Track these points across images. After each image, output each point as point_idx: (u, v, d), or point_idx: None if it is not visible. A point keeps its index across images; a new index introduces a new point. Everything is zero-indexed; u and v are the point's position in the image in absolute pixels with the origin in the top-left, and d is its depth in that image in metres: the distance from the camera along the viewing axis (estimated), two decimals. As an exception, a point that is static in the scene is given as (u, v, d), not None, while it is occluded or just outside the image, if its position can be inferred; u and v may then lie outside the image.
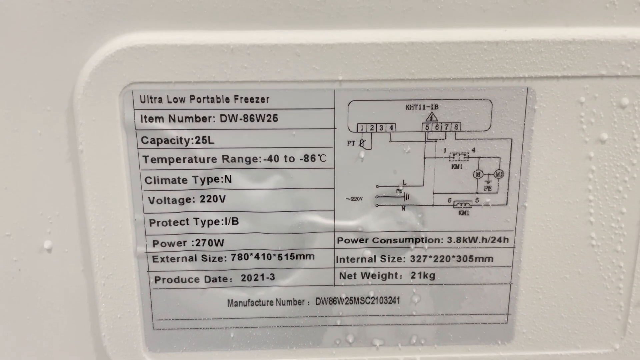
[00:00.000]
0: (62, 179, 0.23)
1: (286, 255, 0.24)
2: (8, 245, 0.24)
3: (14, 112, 0.22)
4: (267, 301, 0.24)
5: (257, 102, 0.22)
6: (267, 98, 0.22)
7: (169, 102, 0.22)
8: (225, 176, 0.23)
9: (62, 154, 0.23)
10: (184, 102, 0.22)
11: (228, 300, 0.24)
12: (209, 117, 0.22)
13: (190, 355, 0.25)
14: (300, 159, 0.23)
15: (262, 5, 0.21)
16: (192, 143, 0.22)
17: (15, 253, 0.24)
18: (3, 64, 0.21)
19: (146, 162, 0.22)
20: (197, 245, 0.24)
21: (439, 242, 0.24)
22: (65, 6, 0.21)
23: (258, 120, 0.22)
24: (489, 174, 0.23)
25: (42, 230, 0.23)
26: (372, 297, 0.24)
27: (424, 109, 0.22)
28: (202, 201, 0.23)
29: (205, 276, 0.24)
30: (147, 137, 0.22)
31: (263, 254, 0.24)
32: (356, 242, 0.24)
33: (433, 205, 0.23)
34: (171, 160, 0.22)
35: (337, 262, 0.24)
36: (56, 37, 0.21)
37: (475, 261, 0.24)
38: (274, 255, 0.24)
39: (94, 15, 0.21)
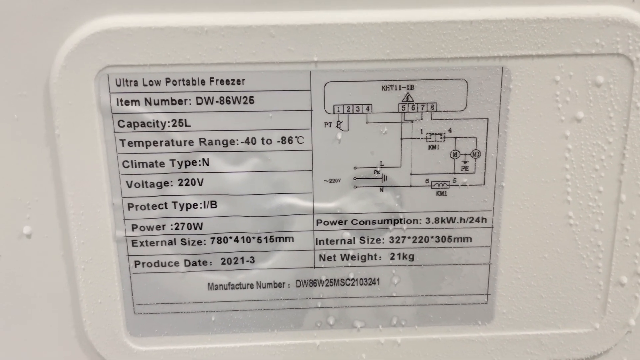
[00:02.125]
0: (39, 164, 0.23)
1: (265, 238, 0.24)
2: (-13, 231, 0.24)
3: (-11, 97, 0.22)
4: (248, 284, 0.24)
5: (232, 84, 0.22)
6: (243, 80, 0.22)
7: (145, 85, 0.22)
8: (203, 159, 0.23)
9: (39, 139, 0.23)
10: (159, 85, 0.22)
11: (208, 283, 0.24)
12: (185, 99, 0.22)
13: (172, 339, 0.25)
14: (278, 141, 0.23)
15: (236, -14, 0.21)
16: (169, 126, 0.22)
17: (-6, 239, 0.24)
18: (-22, 48, 0.22)
19: (123, 145, 0.22)
20: (176, 229, 0.24)
21: (417, 222, 0.24)
22: (39, -10, 0.21)
23: (234, 103, 0.22)
24: (465, 154, 0.23)
25: (21, 216, 0.23)
26: (352, 279, 0.24)
27: (399, 89, 0.22)
28: (180, 185, 0.23)
29: (185, 260, 0.24)
30: (123, 121, 0.22)
31: (242, 237, 0.24)
32: (335, 224, 0.24)
33: (411, 186, 0.23)
34: (148, 143, 0.22)
35: (317, 244, 0.24)
36: (31, 21, 0.21)
37: (454, 242, 0.24)
38: (254, 238, 0.24)
39: (68, -1, 0.21)
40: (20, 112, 0.22)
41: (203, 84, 0.22)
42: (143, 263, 0.24)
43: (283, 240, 0.24)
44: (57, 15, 0.21)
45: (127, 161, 0.23)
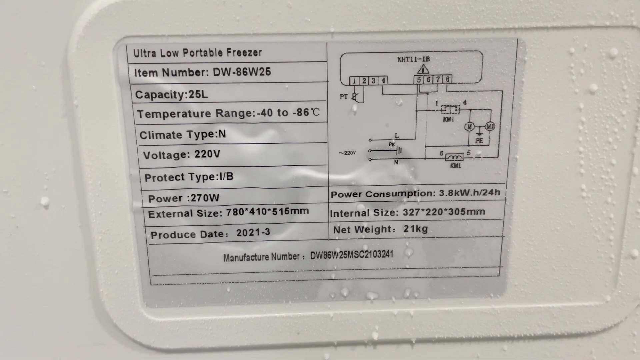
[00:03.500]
0: (58, 134, 0.23)
1: (281, 209, 0.24)
2: (5, 202, 0.24)
3: (8, 68, 0.22)
4: (263, 256, 0.25)
5: (249, 55, 0.22)
6: (260, 51, 0.22)
7: (162, 56, 0.22)
8: (220, 131, 0.23)
9: (57, 110, 0.23)
10: (177, 55, 0.22)
11: (224, 255, 0.25)
12: (202, 70, 0.22)
13: (187, 310, 0.25)
14: (294, 113, 0.23)
15: (253, -43, 0.21)
16: (186, 97, 0.22)
17: (12, 210, 0.24)
18: (-3, 19, 0.22)
19: (141, 116, 0.23)
20: (193, 200, 0.24)
21: (431, 195, 0.24)
22: (58, -40, 0.21)
23: (251, 74, 0.22)
24: (480, 127, 0.23)
25: (39, 186, 0.24)
26: (366, 251, 0.25)
27: (415, 61, 0.22)
28: (197, 156, 0.23)
29: (201, 231, 0.24)
30: (141, 92, 0.22)
31: (258, 209, 0.24)
32: (350, 196, 0.24)
33: (425, 158, 0.24)
34: (165, 114, 0.23)
35: (331, 216, 0.24)
36: (49, -9, 0.22)
37: (467, 214, 0.24)
38: (269, 209, 0.24)
39: (87, -31, 0.21)
40: (38, 83, 0.22)
41: (220, 55, 0.22)
42: (159, 234, 0.24)
43: (298, 212, 0.24)
44: (75, -14, 0.21)
45: (145, 132, 0.23)
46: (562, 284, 0.25)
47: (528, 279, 0.25)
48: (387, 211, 0.24)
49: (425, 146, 0.23)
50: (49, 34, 0.22)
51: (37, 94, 0.23)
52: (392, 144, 0.23)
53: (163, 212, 0.24)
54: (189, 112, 0.23)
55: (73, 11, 0.22)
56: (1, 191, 0.24)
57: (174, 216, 0.24)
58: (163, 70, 0.22)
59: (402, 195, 0.24)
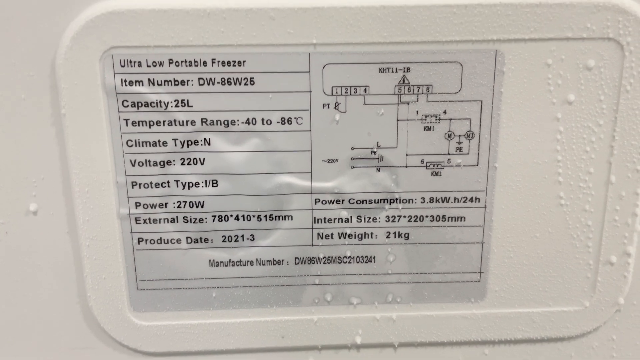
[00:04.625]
0: (46, 142, 0.23)
1: (265, 216, 0.25)
2: (-6, 208, 0.24)
3: (-3, 78, 0.23)
4: (248, 261, 0.25)
5: (234, 65, 0.23)
6: (244, 62, 0.23)
7: (148, 66, 0.22)
8: (205, 139, 0.23)
9: (45, 118, 0.23)
10: (162, 66, 0.22)
11: (209, 260, 0.25)
12: (188, 80, 0.23)
13: (174, 314, 0.26)
14: (277, 122, 0.23)
15: (237, -30, 0.22)
16: (172, 106, 0.23)
17: (1, 216, 0.24)
18: (-14, 29, 0.22)
19: (127, 125, 0.23)
20: (179, 207, 0.24)
21: (412, 202, 0.25)
22: (46, -28, 0.22)
23: (235, 84, 0.23)
24: (460, 136, 0.24)
25: (27, 193, 0.24)
26: (349, 257, 0.25)
27: (396, 72, 0.23)
28: (182, 164, 0.24)
29: (187, 237, 0.25)
30: (127, 101, 0.23)
31: (243, 216, 0.24)
32: (333, 203, 0.24)
33: (406, 166, 0.24)
34: (151, 123, 0.23)
35: (315, 222, 0.25)
36: (37, 3, 0.22)
37: (448, 221, 0.25)
38: (254, 216, 0.24)
39: (74, -19, 0.22)
40: (27, 92, 0.23)
41: (205, 65, 0.22)
42: (146, 240, 0.25)
43: (282, 219, 0.25)
44: (63, -2, 0.22)
45: (131, 140, 0.23)
46: (542, 290, 0.26)
47: (508, 284, 0.26)
48: (370, 218, 0.25)
49: (407, 155, 0.24)
50: (37, 45, 0.22)
51: (26, 102, 0.23)
52: (374, 152, 0.24)
53: (149, 219, 0.24)
54: (175, 121, 0.23)
55: (60, 22, 0.22)
56: (-10, 198, 0.24)
57: (160, 222, 0.24)
58: (149, 80, 0.23)
59: (384, 202, 0.24)
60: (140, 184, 0.24)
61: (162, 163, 0.24)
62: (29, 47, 0.22)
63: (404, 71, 0.23)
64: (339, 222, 0.25)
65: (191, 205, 0.24)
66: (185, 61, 0.22)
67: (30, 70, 0.23)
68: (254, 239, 0.25)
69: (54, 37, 0.22)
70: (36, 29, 0.22)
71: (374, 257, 0.25)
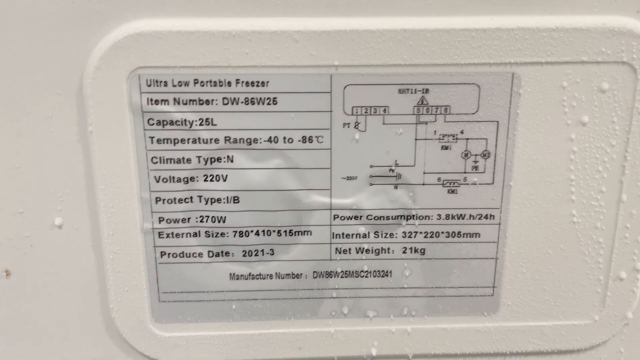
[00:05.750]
0: (72, 158, 0.24)
1: (285, 231, 0.25)
2: (20, 222, 0.25)
3: (26, 95, 0.23)
4: (267, 275, 0.26)
5: (257, 86, 0.23)
6: (267, 82, 0.23)
7: (174, 86, 0.23)
8: (228, 156, 0.24)
9: (72, 135, 0.24)
10: (188, 85, 0.23)
11: (230, 274, 0.26)
12: (212, 100, 0.23)
13: (195, 326, 0.26)
14: (299, 140, 0.24)
15: (262, -7, 0.22)
16: (196, 125, 0.23)
17: (27, 230, 0.25)
18: (16, 49, 0.23)
19: (152, 142, 0.24)
20: (201, 221, 0.25)
21: (429, 219, 0.25)
22: (75, -6, 0.22)
23: (258, 104, 0.23)
24: (476, 155, 0.24)
25: (53, 207, 0.25)
26: (366, 271, 0.26)
27: (415, 93, 0.23)
28: (205, 180, 0.24)
29: (209, 251, 0.25)
30: (153, 119, 0.23)
31: (263, 231, 0.25)
32: (351, 219, 0.25)
33: (424, 184, 0.25)
34: (176, 141, 0.24)
35: (333, 237, 0.25)
36: (66, 23, 0.22)
37: (463, 237, 0.25)
38: (274, 231, 0.25)
39: (103, 3, 0.22)
40: (54, 110, 0.23)
41: (229, 85, 0.23)
42: (168, 254, 0.25)
43: (301, 234, 0.25)
44: (91, 18, 0.22)
45: (156, 157, 0.24)
46: (553, 304, 0.27)
47: (520, 298, 0.26)
48: (387, 233, 0.25)
49: (424, 173, 0.24)
50: (65, 64, 0.23)
51: (53, 120, 0.24)
52: (392, 170, 0.24)
53: (172, 233, 0.25)
54: (199, 139, 0.24)
55: (88, 42, 0.23)
56: (17, 211, 0.25)
57: (182, 237, 0.25)
58: (174, 99, 0.23)
59: (401, 218, 0.25)
60: (164, 200, 0.24)
61: (185, 179, 0.24)
62: (57, 66, 0.23)
63: (423, 92, 0.23)
64: (356, 237, 0.25)
65: (213, 220, 0.25)
66: (210, 81, 0.23)
67: (57, 88, 0.23)
68: (273, 254, 0.25)
69: (81, 56, 0.23)
70: (64, 48, 0.23)
71: (391, 272, 0.26)
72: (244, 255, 0.25)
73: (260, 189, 0.24)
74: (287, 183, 0.24)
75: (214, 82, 0.23)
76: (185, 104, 0.23)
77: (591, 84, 0.23)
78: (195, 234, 0.25)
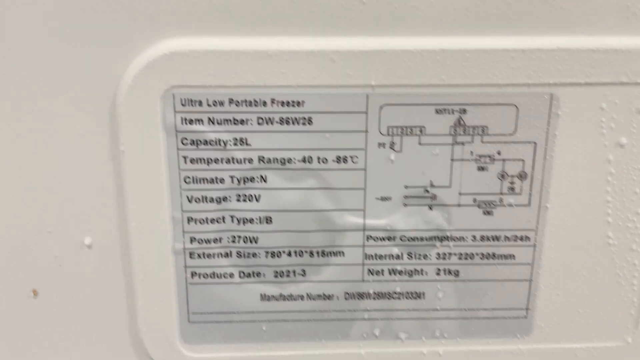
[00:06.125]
0: (103, 177, 0.24)
1: (317, 252, 0.25)
2: (49, 241, 0.25)
3: (57, 113, 0.23)
4: (298, 296, 0.25)
5: (292, 105, 0.23)
6: (303, 102, 0.23)
7: (209, 106, 0.23)
8: (261, 176, 0.24)
9: (103, 154, 0.23)
10: (222, 105, 0.23)
11: (261, 294, 0.25)
12: (247, 119, 0.23)
13: (224, 347, 0.26)
14: (333, 161, 0.24)
15: (299, 12, 0.22)
16: (230, 145, 0.23)
17: (56, 249, 0.25)
18: (48, 65, 0.22)
19: (185, 162, 0.23)
20: (233, 242, 0.24)
21: (463, 240, 0.25)
22: (110, 12, 0.22)
23: (293, 123, 0.23)
24: (513, 176, 0.24)
25: (82, 227, 0.24)
26: (399, 293, 0.25)
27: (452, 113, 0.23)
28: (238, 200, 0.24)
29: (240, 271, 0.25)
30: (186, 139, 0.23)
31: (295, 251, 0.25)
32: (385, 240, 0.25)
33: (459, 205, 0.24)
34: (209, 161, 0.23)
35: (366, 259, 0.25)
36: (100, 40, 0.22)
37: (498, 259, 0.25)
38: (306, 252, 0.25)
39: (137, 21, 0.22)
40: (86, 128, 0.23)
41: (264, 105, 0.23)
42: (199, 274, 0.25)
43: (334, 255, 0.25)
44: (125, 36, 0.22)
45: (189, 177, 0.23)
46: (586, 326, 0.26)
47: (554, 320, 0.26)
48: (421, 255, 0.25)
49: (460, 193, 0.24)
50: (97, 82, 0.23)
51: (84, 138, 0.23)
52: (427, 191, 0.24)
53: (203, 253, 0.25)
54: (233, 158, 0.23)
55: (122, 60, 0.22)
56: (45, 231, 0.24)
57: (214, 257, 0.25)
58: (209, 118, 0.23)
59: (435, 240, 0.25)
60: (196, 220, 0.24)
61: (218, 199, 0.24)
62: (89, 84, 0.23)
63: (460, 112, 0.23)
64: (389, 258, 0.25)
65: (245, 241, 0.24)
66: (245, 101, 0.23)
67: (89, 106, 0.23)
68: (305, 274, 0.25)
69: (114, 74, 0.22)
70: (97, 65, 0.22)
71: (423, 293, 0.25)
72: (275, 276, 0.25)
73: (293, 209, 0.24)
74: (320, 203, 0.24)
75: (249, 101, 0.23)
76: (220, 123, 0.23)
77: (630, 105, 0.23)
78: (226, 255, 0.25)
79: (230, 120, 0.23)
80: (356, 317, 0.26)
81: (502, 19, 0.22)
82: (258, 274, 0.25)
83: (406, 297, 0.26)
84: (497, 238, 0.25)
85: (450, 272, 0.25)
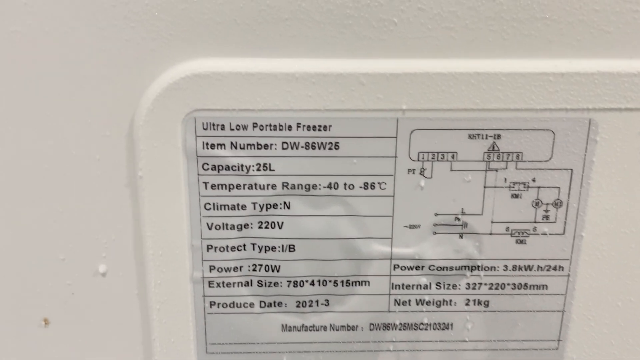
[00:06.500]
0: (119, 203, 0.23)
1: (342, 281, 0.24)
2: (62, 269, 0.23)
3: (72, 136, 0.22)
4: (321, 326, 0.24)
5: (319, 130, 0.22)
6: (330, 126, 0.22)
7: (232, 130, 0.22)
8: (284, 203, 0.23)
9: (120, 179, 0.22)
10: (246, 129, 0.22)
11: (282, 325, 0.24)
12: (271, 144, 0.22)
13: (243, 379, 0.25)
14: (360, 187, 0.23)
15: (328, 33, 0.21)
16: (253, 170, 0.22)
17: (68, 277, 0.24)
18: (64, 87, 0.21)
19: (206, 188, 0.22)
20: (254, 270, 0.23)
21: (494, 270, 0.24)
22: (128, 31, 0.21)
23: (319, 148, 0.22)
24: (547, 204, 0.23)
25: (97, 254, 0.23)
26: (426, 324, 0.24)
27: (486, 138, 0.22)
28: (260, 227, 0.23)
29: (261, 301, 0.24)
30: (208, 164, 0.22)
31: (319, 280, 0.24)
32: (412, 269, 0.24)
33: (491, 234, 0.23)
34: (231, 186, 0.22)
35: (393, 288, 0.24)
36: (118, 62, 0.21)
37: (530, 289, 0.24)
38: (330, 281, 0.24)
39: (157, 41, 0.21)
40: (102, 153, 0.22)
41: (290, 130, 0.22)
42: (218, 304, 0.24)
43: (359, 284, 0.24)
44: (144, 57, 0.21)
45: (209, 204, 0.22)
46: (619, 358, 0.25)
47: (586, 352, 0.25)
48: (450, 285, 0.24)
49: (492, 222, 0.23)
50: (115, 104, 0.21)
51: (100, 163, 0.22)
52: (458, 219, 0.23)
53: (223, 282, 0.23)
54: (255, 184, 0.22)
55: (141, 83, 0.21)
56: (58, 258, 0.23)
57: (233, 286, 0.24)
58: (231, 143, 0.22)
59: (465, 269, 0.24)
60: (215, 247, 0.23)
61: (239, 226, 0.23)
62: (106, 106, 0.22)
63: (494, 138, 0.22)
64: (417, 288, 0.24)
65: (267, 269, 0.23)
66: (270, 125, 0.22)
67: (106, 130, 0.22)
68: (328, 304, 0.24)
69: (133, 96, 0.21)
70: (114, 87, 0.21)
71: (451, 324, 0.24)
72: (297, 306, 0.24)
73: (317, 237, 0.23)
74: (346, 231, 0.23)
75: (274, 126, 0.22)
76: (243, 148, 0.22)
77: (672, 131, 0.22)
78: (247, 283, 0.24)
79: (253, 145, 0.22)
80: (381, 348, 0.25)
81: (540, 41, 0.21)
82: (279, 304, 0.24)
83: (433, 328, 0.25)
84: (529, 268, 0.24)
85: (480, 303, 0.24)
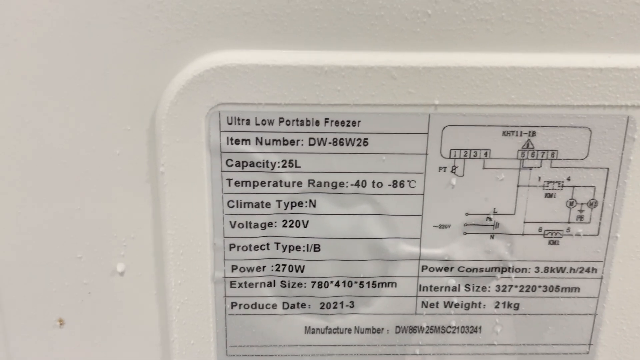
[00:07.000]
0: (139, 200, 0.22)
1: (368, 283, 0.23)
2: (78, 267, 0.23)
3: (92, 131, 0.21)
4: (345, 329, 0.24)
5: (347, 125, 0.21)
6: (359, 122, 0.21)
7: (257, 125, 0.21)
8: (310, 201, 0.22)
9: (140, 175, 0.22)
10: (272, 124, 0.21)
11: (305, 327, 0.23)
12: (297, 140, 0.21)
13: (264, 382, 0.24)
14: (389, 185, 0.22)
15: (358, 25, 0.20)
16: (278, 167, 0.21)
17: (85, 276, 0.23)
18: (84, 79, 0.20)
19: (229, 185, 0.21)
20: (277, 270, 0.23)
21: (526, 271, 0.23)
22: (152, 22, 0.20)
23: (347, 145, 0.21)
24: (582, 204, 0.22)
25: (115, 252, 0.22)
26: (454, 327, 0.24)
27: (520, 135, 0.21)
28: (284, 226, 0.22)
29: (283, 302, 0.23)
30: (232, 160, 0.21)
31: (344, 281, 0.23)
32: (441, 270, 0.23)
33: (523, 234, 0.22)
34: (255, 183, 0.22)
35: (420, 290, 0.23)
36: (140, 53, 0.20)
37: (562, 291, 0.23)
38: (355, 282, 0.23)
39: (182, 32, 0.20)
40: (122, 147, 0.21)
41: (317, 125, 0.21)
42: (240, 305, 0.23)
43: (385, 286, 0.23)
44: (168, 49, 0.20)
45: (232, 201, 0.22)
46: (652, 363, 0.25)
47: (617, 357, 0.24)
48: (479, 287, 0.23)
49: (524, 222, 0.22)
50: (136, 98, 0.21)
51: (120, 158, 0.21)
52: (490, 218, 0.22)
53: (245, 283, 0.23)
54: (280, 181, 0.21)
55: (164, 75, 0.20)
56: (75, 256, 0.22)
57: (256, 287, 0.23)
58: (257, 138, 0.21)
59: (496, 271, 0.23)
60: (238, 246, 0.22)
61: (263, 225, 0.22)
62: (127, 99, 0.21)
63: (529, 135, 0.21)
64: (445, 290, 0.23)
65: (290, 269, 0.23)
66: (297, 120, 0.21)
67: (127, 124, 0.21)
68: (353, 306, 0.23)
69: (155, 89, 0.21)
70: (136, 80, 0.21)
71: (480, 328, 0.24)
72: (321, 308, 0.23)
73: (343, 237, 0.22)
74: (373, 231, 0.22)
75: (301, 121, 0.21)
76: (268, 144, 0.21)
77: None
78: (270, 284, 0.23)
79: (279, 141, 0.21)
80: (407, 352, 0.24)
81: (579, 35, 0.21)
82: (303, 305, 0.23)
83: (461, 332, 0.24)
84: (562, 269, 0.23)
85: (510, 305, 0.23)
